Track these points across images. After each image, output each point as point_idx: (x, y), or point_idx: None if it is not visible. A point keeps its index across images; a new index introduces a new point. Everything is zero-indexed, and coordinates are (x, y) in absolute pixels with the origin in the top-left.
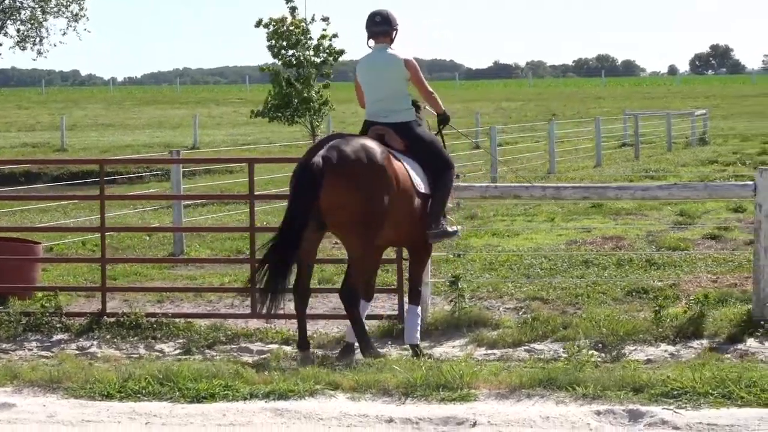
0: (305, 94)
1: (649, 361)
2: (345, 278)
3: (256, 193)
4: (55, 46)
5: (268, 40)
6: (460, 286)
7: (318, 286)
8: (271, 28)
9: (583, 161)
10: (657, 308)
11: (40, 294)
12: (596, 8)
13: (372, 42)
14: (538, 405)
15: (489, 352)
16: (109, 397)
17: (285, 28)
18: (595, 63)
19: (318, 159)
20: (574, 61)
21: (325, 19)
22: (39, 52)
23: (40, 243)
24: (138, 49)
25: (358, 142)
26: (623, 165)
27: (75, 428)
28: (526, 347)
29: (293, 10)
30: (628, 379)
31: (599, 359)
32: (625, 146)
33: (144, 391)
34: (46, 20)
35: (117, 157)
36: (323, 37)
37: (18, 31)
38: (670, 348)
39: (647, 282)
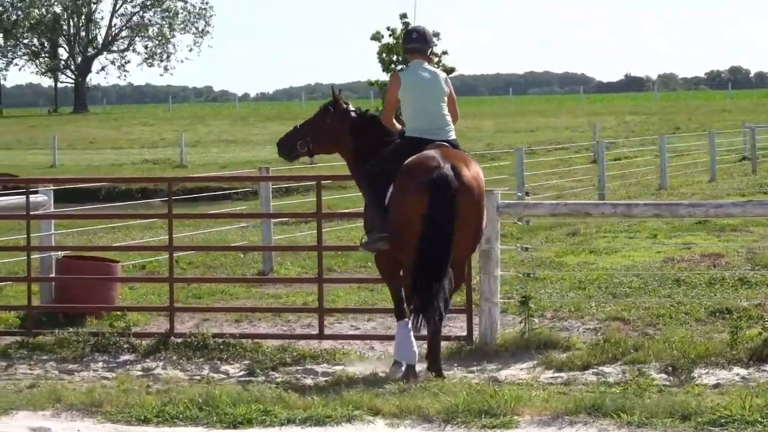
0: None
1: (718, 385)
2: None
3: (325, 211)
4: (182, 62)
5: (380, 54)
6: (530, 306)
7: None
8: (383, 41)
9: (699, 175)
10: (733, 329)
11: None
12: (729, 19)
13: (409, 58)
14: None
15: (556, 375)
16: (146, 421)
17: (395, 41)
18: (727, 75)
19: (449, 173)
20: (706, 73)
21: (436, 35)
22: (166, 68)
23: (118, 262)
24: (272, 64)
25: (470, 159)
26: (739, 179)
27: None
28: (595, 370)
29: (406, 25)
30: (677, 405)
31: (667, 383)
32: (744, 160)
33: (182, 416)
34: (173, 36)
35: (193, 175)
36: (433, 53)
37: (146, 47)
38: (743, 371)
39: (733, 302)
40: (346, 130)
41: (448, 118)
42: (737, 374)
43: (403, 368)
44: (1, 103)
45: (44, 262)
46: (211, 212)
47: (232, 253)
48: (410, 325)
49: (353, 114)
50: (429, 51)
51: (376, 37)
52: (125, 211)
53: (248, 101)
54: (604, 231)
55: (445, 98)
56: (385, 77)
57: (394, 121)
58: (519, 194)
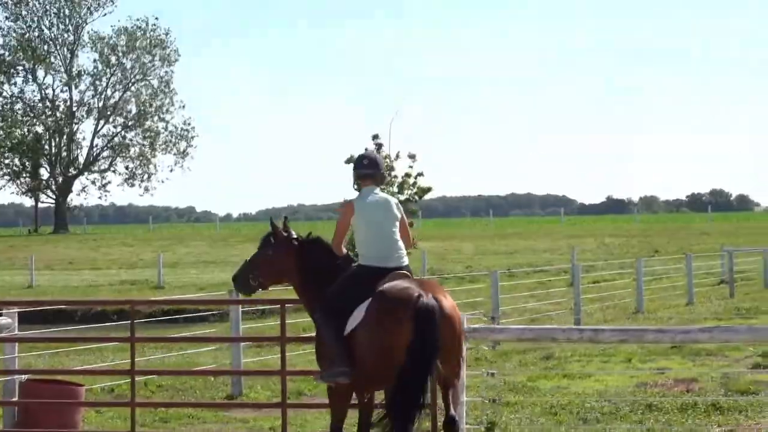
0: None
1: None
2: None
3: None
4: (162, 182)
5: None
6: None
7: None
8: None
9: (677, 299)
10: None
11: None
12: (709, 143)
13: (357, 185)
14: None
15: None
16: None
17: None
18: (708, 197)
19: (433, 304)
20: (687, 196)
21: (412, 157)
22: (146, 189)
23: (82, 385)
24: (254, 185)
25: (442, 288)
26: (716, 303)
27: None
28: None
29: (379, 147)
30: None
31: None
32: (722, 283)
33: None
34: (154, 156)
35: (156, 298)
36: (408, 175)
37: (127, 168)
38: None
39: (704, 429)
40: (289, 259)
41: (401, 243)
42: None
43: None
44: None
45: (7, 386)
46: (173, 336)
47: (202, 377)
48: None
49: (294, 241)
50: (381, 176)
51: (350, 160)
52: (102, 333)
53: (230, 222)
54: (578, 354)
55: (398, 224)
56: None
57: (343, 247)
58: (485, 318)
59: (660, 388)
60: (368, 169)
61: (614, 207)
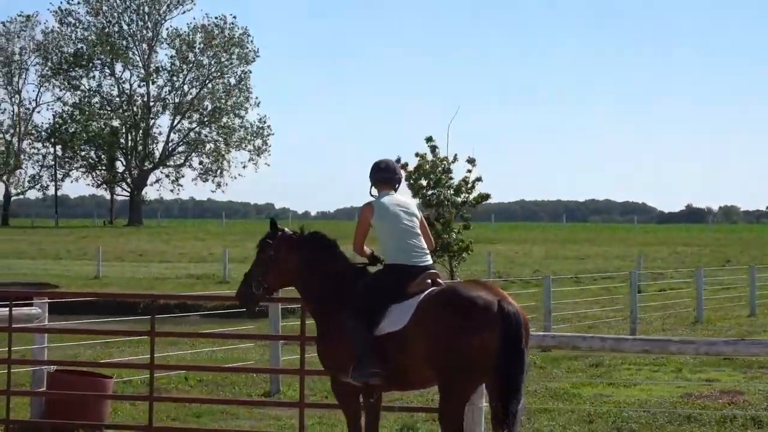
0: (444, 236)
1: None
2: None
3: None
4: (234, 179)
5: (408, 179)
6: None
7: None
8: (409, 168)
9: (741, 309)
10: None
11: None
12: None
13: (376, 190)
14: None
15: None
16: None
17: (427, 166)
18: None
19: (516, 310)
20: (767, 207)
21: (471, 161)
22: (218, 185)
23: (111, 377)
24: (331, 184)
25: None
26: None
27: None
28: None
29: (434, 149)
30: None
31: None
32: None
33: None
34: (228, 152)
35: (179, 293)
36: (466, 180)
37: (201, 163)
38: None
39: None
40: (291, 257)
41: (425, 243)
42: None
43: None
44: (57, 213)
45: (36, 375)
46: (193, 332)
47: (244, 373)
48: None
49: (294, 238)
50: (397, 181)
51: (400, 164)
52: (160, 325)
53: (307, 219)
54: (629, 363)
55: (419, 223)
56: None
57: (366, 247)
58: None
59: (704, 400)
60: (385, 173)
61: (693, 216)
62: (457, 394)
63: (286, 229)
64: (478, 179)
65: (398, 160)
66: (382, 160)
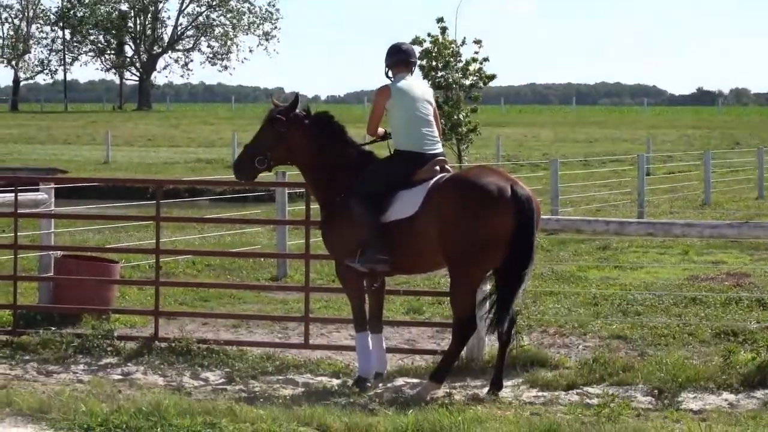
0: (454, 117)
1: (702, 410)
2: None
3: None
4: (242, 62)
5: (420, 60)
6: (517, 323)
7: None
8: (425, 46)
9: (749, 192)
10: (726, 353)
11: (116, 316)
12: None
13: (392, 73)
14: None
15: (539, 394)
16: (89, 430)
17: (436, 48)
18: None
19: (529, 194)
20: None
21: (478, 42)
22: (225, 68)
23: (117, 263)
24: (344, 67)
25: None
26: None
27: None
28: (579, 390)
29: (444, 30)
30: None
31: (650, 406)
32: None
33: (125, 426)
34: (236, 36)
35: (182, 178)
36: (474, 60)
37: (210, 47)
38: (731, 397)
39: (742, 324)
40: (302, 136)
41: (437, 132)
42: (725, 400)
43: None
44: (66, 98)
45: (43, 261)
46: (199, 216)
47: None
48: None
49: (305, 118)
50: (413, 65)
51: (417, 41)
52: (170, 210)
53: (318, 103)
54: (635, 246)
55: (432, 111)
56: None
57: (380, 128)
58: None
59: (709, 282)
60: (404, 55)
61: (704, 98)
62: (469, 279)
63: (297, 109)
64: (485, 59)
65: (416, 40)
66: (400, 42)
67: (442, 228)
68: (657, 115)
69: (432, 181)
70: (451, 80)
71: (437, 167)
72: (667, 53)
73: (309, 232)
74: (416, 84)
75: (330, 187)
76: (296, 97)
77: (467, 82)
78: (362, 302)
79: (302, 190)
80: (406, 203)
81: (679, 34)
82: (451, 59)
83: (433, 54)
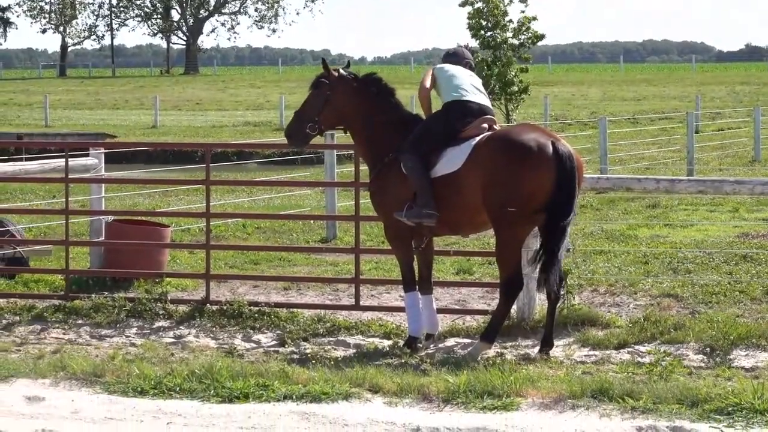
0: (506, 78)
1: (754, 368)
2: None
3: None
4: (289, 25)
5: (469, 20)
6: (568, 282)
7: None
8: (474, 6)
9: None
10: None
11: (168, 279)
12: None
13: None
14: (581, 417)
15: (590, 353)
16: (142, 393)
17: (485, 8)
18: None
19: (570, 151)
20: None
21: (523, 1)
22: (273, 31)
23: (168, 226)
24: (390, 29)
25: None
26: None
27: (95, 426)
28: (630, 349)
29: None
30: (686, 391)
31: (702, 364)
32: None
33: (179, 389)
34: None
35: (231, 142)
36: (527, 20)
37: (256, 10)
38: None
39: None
40: (350, 99)
41: (485, 93)
42: None
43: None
44: (113, 63)
45: (93, 226)
46: (248, 179)
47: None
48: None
49: (352, 80)
50: (465, 66)
51: (466, 2)
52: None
53: (364, 65)
54: (685, 204)
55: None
56: (473, 43)
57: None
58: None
59: (760, 239)
60: (453, 57)
61: (753, 54)
62: (513, 236)
63: (341, 69)
64: (534, 18)
65: (465, 2)
66: (454, 48)
67: (484, 184)
68: (705, 72)
69: (478, 138)
70: (500, 40)
71: (485, 125)
72: (715, 9)
73: (358, 194)
74: (465, 69)
75: (379, 147)
76: (323, 61)
77: (516, 42)
78: (410, 262)
79: (351, 151)
80: (453, 159)
81: None
82: (501, 19)
83: (485, 13)
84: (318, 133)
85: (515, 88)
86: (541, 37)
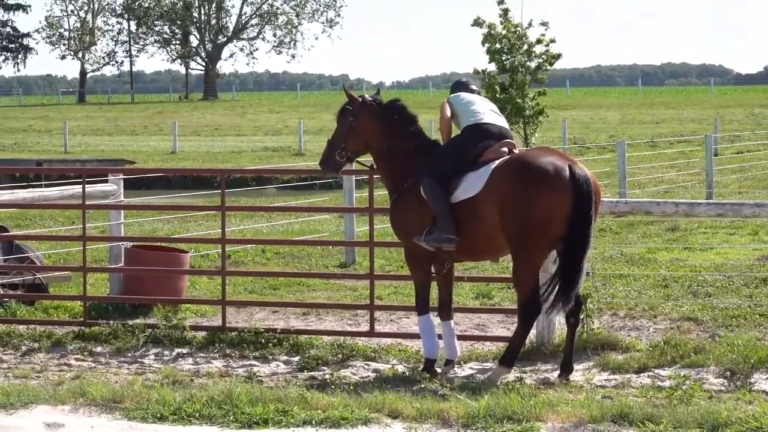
0: (518, 100)
1: None
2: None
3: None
4: (308, 50)
5: (483, 44)
6: (587, 306)
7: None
8: (485, 30)
9: None
10: None
11: (185, 306)
12: None
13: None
14: None
15: (610, 377)
16: (162, 419)
17: (499, 32)
18: None
19: (587, 175)
20: None
21: (545, 24)
22: (293, 56)
23: (187, 252)
24: (408, 54)
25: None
26: None
27: None
28: (651, 373)
29: (505, 12)
30: (707, 415)
31: (723, 388)
32: None
33: (198, 415)
34: (300, 24)
35: (249, 167)
36: (539, 41)
37: (274, 35)
38: None
39: None
40: (372, 123)
41: (502, 116)
42: None
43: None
44: (132, 89)
45: (113, 252)
46: (264, 205)
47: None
48: (546, 310)
49: (375, 106)
50: (473, 91)
51: (478, 22)
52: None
53: (383, 90)
54: (705, 227)
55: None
56: (491, 67)
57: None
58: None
59: None
60: (462, 87)
61: None
62: (530, 260)
63: (365, 95)
64: (552, 41)
65: (477, 21)
66: (458, 79)
67: (501, 208)
68: (724, 94)
69: (497, 162)
70: (516, 63)
71: (505, 149)
72: (733, 32)
73: (372, 220)
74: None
75: (400, 173)
76: (344, 87)
77: (532, 65)
78: (428, 287)
79: (367, 176)
80: (472, 184)
81: (745, 13)
82: (517, 42)
83: (500, 37)
84: (347, 161)
85: (529, 112)
86: (558, 57)
